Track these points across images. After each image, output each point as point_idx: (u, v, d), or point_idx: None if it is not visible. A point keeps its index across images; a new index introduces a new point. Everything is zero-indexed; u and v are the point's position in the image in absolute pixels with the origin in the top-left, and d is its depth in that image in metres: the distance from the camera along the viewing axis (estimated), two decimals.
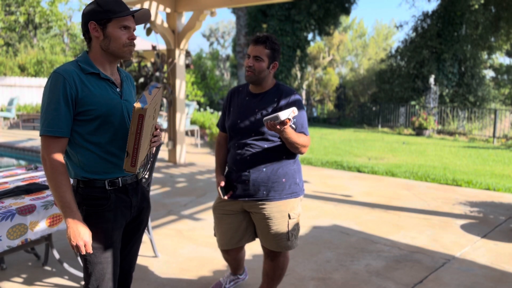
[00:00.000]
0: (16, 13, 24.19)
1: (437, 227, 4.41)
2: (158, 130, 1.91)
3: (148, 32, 7.12)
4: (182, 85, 7.62)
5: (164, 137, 10.00)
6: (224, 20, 48.14)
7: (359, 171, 7.41)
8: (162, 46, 8.02)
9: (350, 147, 10.57)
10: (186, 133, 11.58)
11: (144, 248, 3.67)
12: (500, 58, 25.42)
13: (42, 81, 17.27)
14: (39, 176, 3.30)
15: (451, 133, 14.66)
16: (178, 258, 3.51)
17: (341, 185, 6.32)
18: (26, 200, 2.58)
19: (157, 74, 7.24)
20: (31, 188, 2.77)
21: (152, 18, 6.94)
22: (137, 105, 1.64)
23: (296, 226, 2.51)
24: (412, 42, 17.93)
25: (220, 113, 11.78)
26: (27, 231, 2.46)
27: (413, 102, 16.90)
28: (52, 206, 2.59)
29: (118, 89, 1.84)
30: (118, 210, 1.83)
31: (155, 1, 6.91)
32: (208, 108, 13.78)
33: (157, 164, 7.54)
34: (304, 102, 20.41)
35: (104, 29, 1.75)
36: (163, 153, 8.44)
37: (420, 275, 3.24)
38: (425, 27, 17.68)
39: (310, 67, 24.39)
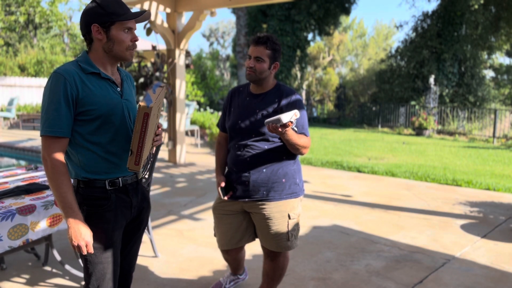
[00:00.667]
0: (16, 13, 24.19)
1: (437, 227, 4.41)
2: (160, 129, 1.92)
3: (148, 32, 7.12)
4: (182, 85, 7.62)
5: (164, 137, 10.00)
6: (224, 20, 48.16)
7: (359, 171, 7.41)
8: (162, 46, 8.02)
9: (350, 147, 10.57)
10: (186, 133, 11.58)
11: (144, 248, 3.67)
12: (500, 58, 25.42)
13: (42, 81, 17.27)
14: (39, 176, 3.30)
15: (451, 133, 14.66)
16: (178, 258, 3.51)
17: (341, 185, 6.32)
18: (26, 200, 2.58)
19: (157, 74, 7.24)
20: (31, 188, 2.77)
21: (152, 18, 6.94)
22: (142, 103, 1.65)
23: (296, 226, 2.51)
24: (412, 42, 17.93)
25: (220, 113, 11.78)
26: (28, 231, 2.46)
27: (413, 102, 16.90)
28: (52, 206, 2.59)
29: (118, 89, 1.84)
30: (119, 210, 1.83)
31: (155, 1, 6.91)
32: (208, 108, 13.78)
33: (157, 164, 7.54)
34: (304, 102, 20.36)
35: (108, 32, 1.74)
36: (163, 153, 8.44)
37: (420, 275, 3.24)
38: (425, 27, 17.69)
39: (310, 67, 24.39)
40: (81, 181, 1.77)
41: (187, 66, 8.17)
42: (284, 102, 2.39)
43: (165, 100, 7.49)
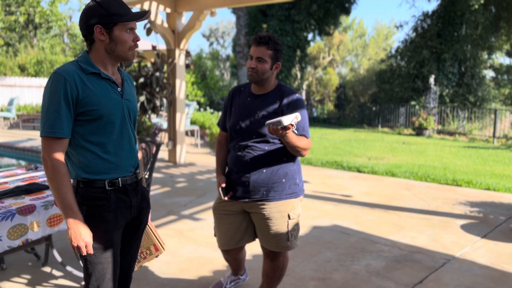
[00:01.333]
0: (16, 13, 24.18)
1: (437, 227, 4.41)
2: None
3: (148, 32, 7.12)
4: (182, 85, 7.62)
5: (164, 137, 9.99)
6: (224, 20, 48.15)
7: (359, 171, 7.41)
8: (162, 46, 8.02)
9: (350, 147, 10.57)
10: (186, 133, 11.58)
11: None
12: (500, 58, 25.42)
13: (42, 81, 17.27)
14: (39, 176, 3.30)
15: (451, 133, 14.66)
16: (178, 258, 3.51)
17: (341, 185, 6.32)
18: (26, 200, 2.58)
19: (157, 74, 7.24)
20: (31, 188, 2.77)
21: (152, 18, 6.94)
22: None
23: (296, 227, 2.50)
24: (412, 42, 17.93)
25: (220, 113, 11.77)
26: (28, 231, 2.46)
27: (413, 102, 16.89)
28: (52, 206, 2.59)
29: (119, 89, 1.84)
30: (118, 210, 1.82)
31: (155, 1, 6.91)
32: (208, 108, 13.77)
33: (157, 164, 7.54)
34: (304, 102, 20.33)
35: (110, 33, 1.74)
36: (163, 153, 8.44)
37: (420, 275, 3.24)
38: (425, 27, 17.69)
39: (310, 67, 24.39)
40: (80, 181, 1.76)
41: (187, 66, 8.17)
42: (285, 101, 2.38)
43: (165, 100, 7.49)
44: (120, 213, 1.83)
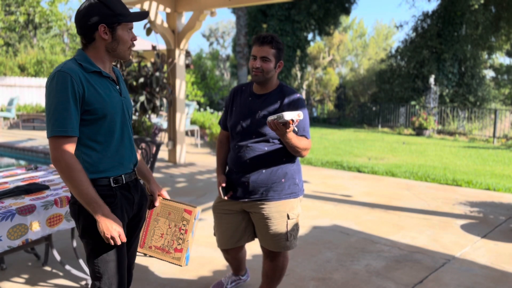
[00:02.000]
0: (16, 13, 24.19)
1: (437, 227, 4.41)
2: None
3: (148, 32, 7.12)
4: (182, 85, 7.62)
5: (164, 137, 9.99)
6: (224, 20, 48.15)
7: (359, 171, 7.41)
8: (162, 46, 8.02)
9: (350, 147, 10.57)
10: (186, 133, 11.58)
11: None
12: (500, 58, 25.42)
13: (42, 81, 17.27)
14: (39, 176, 3.30)
15: (451, 133, 14.66)
16: None
17: (341, 185, 6.32)
18: (26, 200, 2.58)
19: (157, 74, 7.23)
20: (31, 188, 2.77)
21: (152, 18, 6.94)
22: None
23: (295, 227, 2.50)
24: (412, 42, 17.94)
25: (220, 113, 11.75)
26: (28, 231, 2.46)
27: (413, 102, 16.90)
28: (52, 206, 2.59)
29: (117, 87, 1.85)
30: (123, 207, 1.85)
31: (155, 1, 6.91)
32: (208, 108, 13.78)
33: (157, 164, 7.54)
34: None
35: (113, 32, 1.75)
36: (163, 153, 8.44)
37: (420, 275, 3.24)
38: (425, 27, 17.69)
39: (310, 67, 24.40)
40: None
41: (187, 66, 8.17)
42: (286, 101, 2.38)
43: (165, 100, 7.49)
44: (124, 210, 1.85)
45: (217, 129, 9.63)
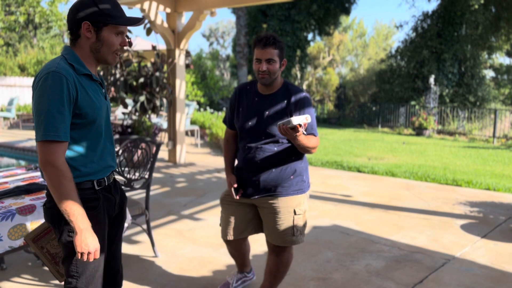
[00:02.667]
0: (16, 13, 24.18)
1: (437, 227, 4.41)
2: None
3: (148, 32, 7.12)
4: (182, 85, 7.62)
5: (164, 137, 9.99)
6: (224, 20, 48.13)
7: (359, 171, 7.41)
8: (162, 46, 8.02)
9: (350, 147, 10.57)
10: (186, 133, 11.58)
11: (144, 248, 3.67)
12: (500, 58, 25.41)
13: None
14: (39, 176, 3.30)
15: (451, 133, 14.66)
16: (178, 258, 3.51)
17: (341, 185, 6.32)
18: (26, 200, 2.58)
19: (157, 74, 7.24)
20: (31, 188, 2.77)
21: (152, 18, 6.94)
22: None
23: (302, 222, 2.53)
24: (412, 42, 17.94)
25: (220, 113, 11.74)
26: (28, 232, 2.46)
27: (413, 102, 16.89)
28: None
29: (103, 90, 1.82)
30: (106, 210, 1.83)
31: (155, 1, 6.91)
32: (208, 108, 13.78)
33: (157, 164, 7.54)
34: None
35: (98, 32, 1.68)
36: (163, 153, 8.44)
37: (420, 275, 3.24)
38: (425, 27, 17.69)
39: (310, 67, 24.39)
40: None
41: (187, 66, 8.17)
42: (293, 100, 2.40)
43: (165, 100, 7.49)
44: (107, 212, 1.84)
45: (217, 129, 9.63)
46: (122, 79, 7.07)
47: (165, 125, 9.83)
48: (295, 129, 2.09)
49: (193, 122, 11.36)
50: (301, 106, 2.40)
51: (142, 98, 7.11)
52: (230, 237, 2.65)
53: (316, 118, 19.67)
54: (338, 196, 5.62)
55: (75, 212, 1.62)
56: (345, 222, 4.51)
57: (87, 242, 1.63)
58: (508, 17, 16.96)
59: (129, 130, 7.41)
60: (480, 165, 8.40)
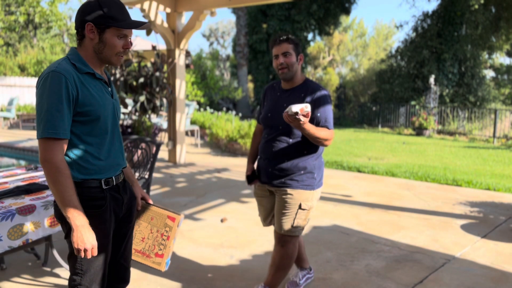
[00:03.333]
0: (16, 13, 24.18)
1: (437, 227, 4.41)
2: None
3: (148, 32, 7.12)
4: (182, 85, 7.62)
5: (164, 137, 9.99)
6: (224, 20, 48.11)
7: (359, 171, 7.41)
8: (162, 46, 8.02)
9: (350, 147, 10.57)
10: (186, 133, 11.58)
11: None
12: (500, 58, 25.39)
13: None
14: (39, 176, 3.30)
15: (451, 133, 14.65)
16: (178, 258, 3.51)
17: (341, 185, 6.32)
18: (26, 200, 2.58)
19: (157, 74, 7.23)
20: (31, 188, 2.77)
21: (152, 18, 6.94)
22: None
23: (304, 217, 2.65)
24: (412, 42, 17.93)
25: (220, 113, 11.79)
26: (28, 232, 2.46)
27: (413, 102, 16.89)
28: (52, 206, 2.59)
29: (109, 89, 1.85)
30: (113, 209, 1.85)
31: (155, 1, 6.91)
32: (208, 108, 13.76)
33: (157, 164, 7.54)
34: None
35: (101, 34, 1.72)
36: (163, 153, 8.44)
37: (420, 275, 3.24)
38: (425, 27, 17.69)
39: (310, 67, 24.39)
40: (77, 182, 1.74)
41: (187, 66, 8.17)
42: (311, 96, 2.54)
43: (165, 100, 7.49)
44: (114, 211, 1.86)
45: (217, 129, 9.64)
46: (122, 79, 7.06)
47: (165, 125, 9.83)
48: (296, 116, 2.21)
49: (193, 122, 11.36)
50: (318, 104, 2.52)
51: (142, 98, 7.11)
52: (263, 223, 2.89)
53: None
54: (338, 196, 5.62)
55: (72, 208, 1.65)
56: (345, 222, 4.51)
57: (83, 238, 1.65)
58: (508, 17, 16.95)
59: (129, 130, 7.41)
60: (480, 165, 8.40)
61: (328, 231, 4.22)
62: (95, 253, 1.70)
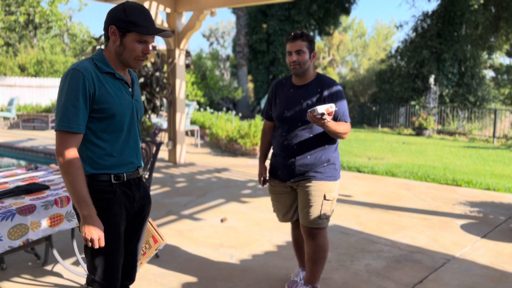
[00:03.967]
0: (16, 13, 24.18)
1: (437, 227, 4.41)
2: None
3: None
4: (182, 85, 7.62)
5: (164, 137, 10.00)
6: (224, 20, 48.10)
7: (359, 171, 7.41)
8: (162, 46, 8.03)
9: (350, 147, 10.57)
10: (186, 133, 11.58)
11: None
12: (500, 58, 25.42)
13: (42, 81, 17.25)
14: (39, 176, 3.30)
15: (451, 133, 14.65)
16: (178, 258, 3.51)
17: (341, 185, 6.32)
18: (26, 200, 2.58)
19: (157, 74, 7.24)
20: (31, 188, 2.77)
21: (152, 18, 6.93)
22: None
23: (329, 208, 2.67)
24: (412, 42, 17.93)
25: (220, 113, 11.77)
26: (28, 231, 2.46)
27: (413, 102, 16.89)
28: (52, 206, 2.59)
29: (130, 89, 1.92)
30: (123, 204, 1.89)
31: (155, 1, 6.91)
32: (208, 108, 13.76)
33: (157, 164, 7.54)
34: None
35: (122, 37, 1.81)
36: (163, 153, 8.44)
37: (420, 275, 3.24)
38: (425, 27, 17.69)
39: None
40: (87, 176, 1.82)
41: (187, 66, 8.17)
42: (326, 92, 2.59)
43: (165, 100, 7.49)
44: (124, 206, 1.90)
45: (217, 129, 9.64)
46: None
47: (165, 125, 9.83)
48: (321, 117, 2.27)
49: (193, 122, 11.35)
50: (332, 99, 2.58)
51: (142, 98, 7.12)
52: (284, 221, 2.90)
53: None
54: (338, 196, 5.60)
55: (81, 199, 1.73)
56: (345, 222, 4.51)
57: (90, 228, 1.73)
58: (508, 17, 16.95)
59: None
60: (480, 165, 8.40)
61: (328, 231, 4.21)
62: (102, 243, 1.76)
